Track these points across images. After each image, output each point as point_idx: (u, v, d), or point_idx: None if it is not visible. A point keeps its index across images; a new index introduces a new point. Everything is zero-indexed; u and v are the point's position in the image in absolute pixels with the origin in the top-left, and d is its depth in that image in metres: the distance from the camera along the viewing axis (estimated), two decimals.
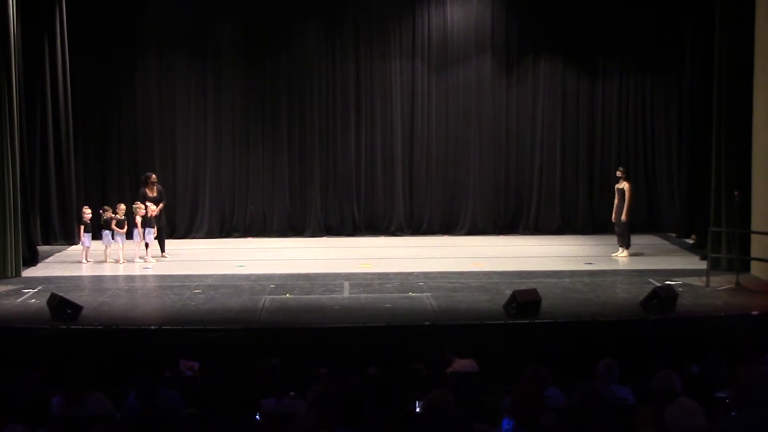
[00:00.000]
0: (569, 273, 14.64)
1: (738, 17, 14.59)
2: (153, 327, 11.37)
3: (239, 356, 10.28)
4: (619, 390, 7.22)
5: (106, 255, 15.72)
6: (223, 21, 18.82)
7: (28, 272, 14.86)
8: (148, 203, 15.92)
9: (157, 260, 15.96)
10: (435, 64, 19.22)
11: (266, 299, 12.89)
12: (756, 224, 14.43)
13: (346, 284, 13.92)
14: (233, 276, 14.59)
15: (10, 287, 13.62)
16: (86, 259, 15.70)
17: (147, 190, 16.24)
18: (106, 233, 15.66)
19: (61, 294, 11.97)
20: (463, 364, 9.30)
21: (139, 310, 12.63)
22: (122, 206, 15.98)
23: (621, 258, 16.01)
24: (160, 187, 16.47)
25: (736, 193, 14.08)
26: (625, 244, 16.14)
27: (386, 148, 19.28)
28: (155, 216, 15.93)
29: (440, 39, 19.18)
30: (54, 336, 11.05)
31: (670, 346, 10.59)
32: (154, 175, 16.53)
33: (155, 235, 15.92)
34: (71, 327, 11.21)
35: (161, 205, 16.24)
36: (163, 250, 16.32)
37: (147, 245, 15.85)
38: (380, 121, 19.24)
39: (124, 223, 15.77)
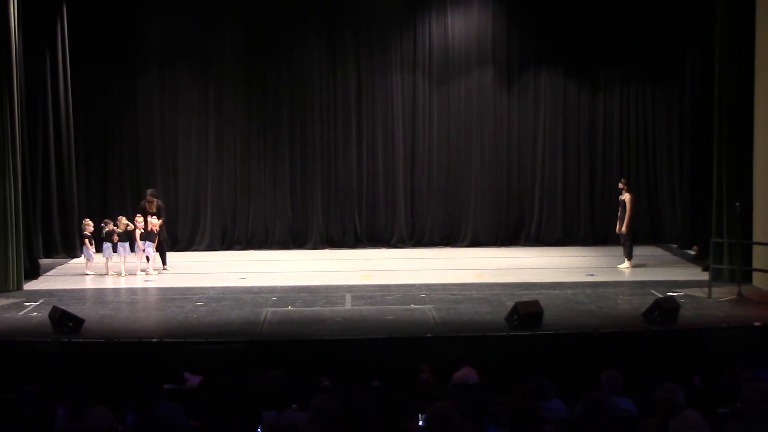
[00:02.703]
0: (571, 284, 14.61)
1: (738, 27, 14.62)
2: (155, 340, 11.34)
3: (241, 369, 10.27)
4: (622, 401, 7.20)
5: (107, 268, 15.72)
6: (223, 34, 18.85)
7: (30, 285, 14.86)
8: (149, 217, 15.92)
9: (159, 273, 15.96)
10: (436, 77, 19.23)
11: (268, 311, 12.86)
12: (758, 235, 14.41)
13: (348, 296, 13.90)
14: (235, 288, 14.59)
15: (11, 300, 13.61)
16: (88, 272, 15.69)
17: (146, 205, 16.24)
18: (107, 246, 15.65)
19: (62, 307, 11.95)
20: (465, 373, 9.23)
21: (141, 323, 12.61)
22: (123, 219, 15.97)
23: (624, 269, 16.00)
24: (159, 202, 16.45)
25: (737, 204, 14.08)
26: (628, 255, 16.13)
27: (387, 160, 19.29)
28: (156, 230, 15.92)
29: (441, 51, 19.21)
30: (56, 349, 11.02)
31: (672, 357, 10.58)
32: (149, 191, 16.51)
33: (155, 247, 15.92)
34: (73, 340, 11.19)
35: (161, 220, 16.22)
36: (164, 262, 16.32)
37: (148, 258, 15.86)
38: (381, 133, 19.26)
39: (125, 236, 15.76)
